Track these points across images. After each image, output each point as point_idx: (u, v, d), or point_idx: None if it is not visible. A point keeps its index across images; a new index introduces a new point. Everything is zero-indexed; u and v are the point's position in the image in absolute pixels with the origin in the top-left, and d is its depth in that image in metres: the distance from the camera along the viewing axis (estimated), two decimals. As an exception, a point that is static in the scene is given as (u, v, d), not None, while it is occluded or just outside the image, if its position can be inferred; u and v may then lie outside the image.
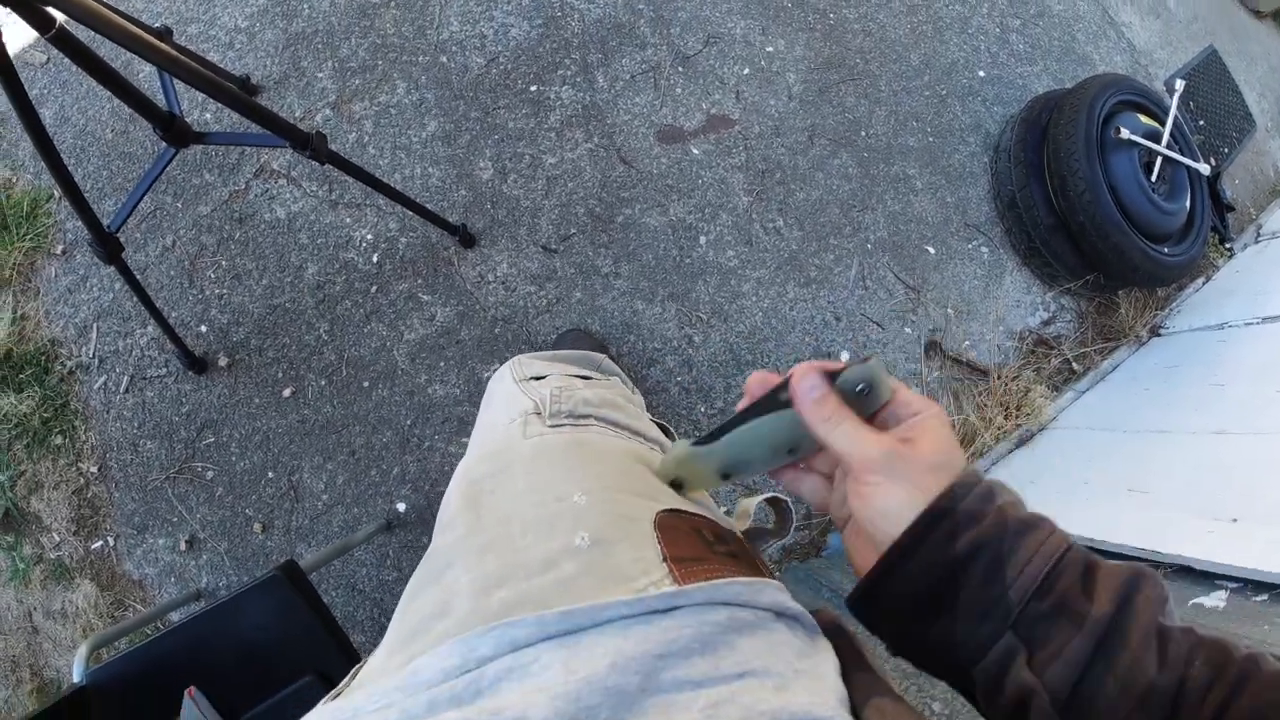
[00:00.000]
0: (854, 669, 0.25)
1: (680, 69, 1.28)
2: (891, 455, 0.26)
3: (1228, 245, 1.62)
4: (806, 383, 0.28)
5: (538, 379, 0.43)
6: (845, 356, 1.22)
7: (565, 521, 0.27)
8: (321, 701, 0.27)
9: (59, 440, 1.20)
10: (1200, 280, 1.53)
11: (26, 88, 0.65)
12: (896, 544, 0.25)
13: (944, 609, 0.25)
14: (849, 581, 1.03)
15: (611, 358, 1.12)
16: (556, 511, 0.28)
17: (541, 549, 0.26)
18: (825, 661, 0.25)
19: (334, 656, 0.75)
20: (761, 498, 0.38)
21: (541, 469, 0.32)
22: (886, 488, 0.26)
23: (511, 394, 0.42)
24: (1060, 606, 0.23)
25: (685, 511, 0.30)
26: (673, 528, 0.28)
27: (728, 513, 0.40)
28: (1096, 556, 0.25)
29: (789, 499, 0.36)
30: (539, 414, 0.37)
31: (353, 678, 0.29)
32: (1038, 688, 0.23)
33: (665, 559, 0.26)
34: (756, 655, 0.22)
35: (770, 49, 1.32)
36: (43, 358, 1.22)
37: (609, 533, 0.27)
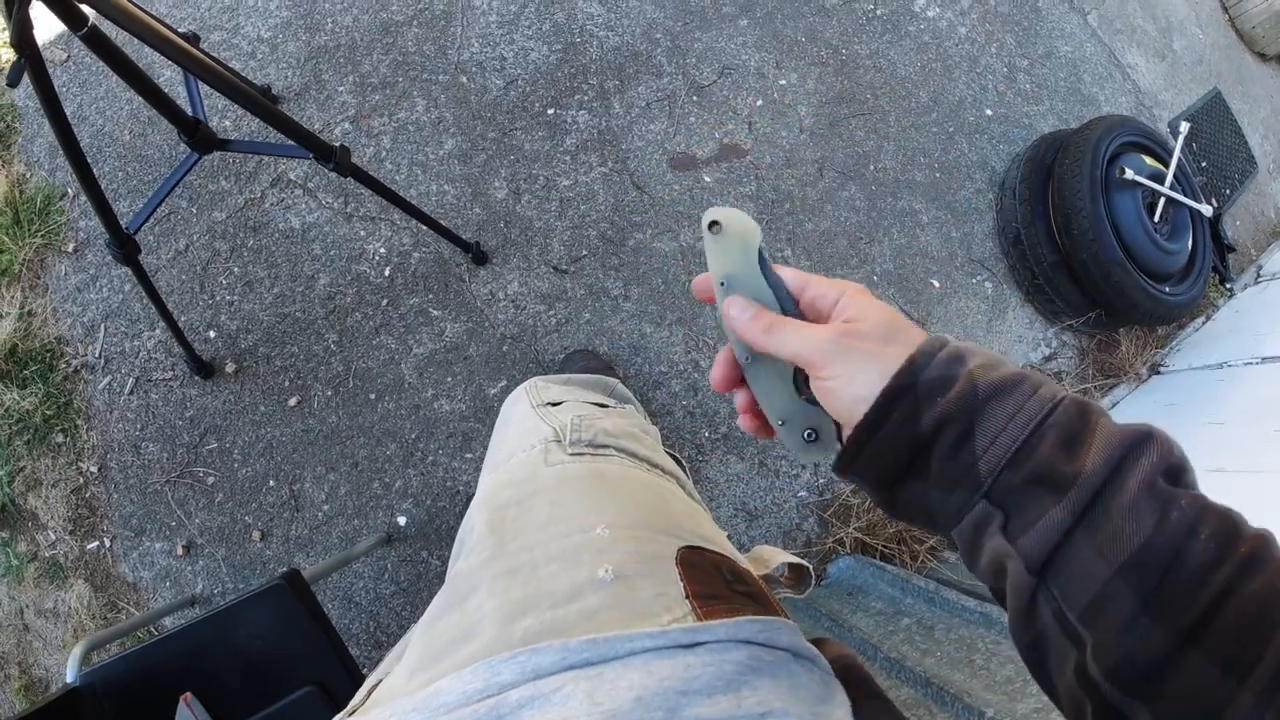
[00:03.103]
0: (863, 697, 0.26)
1: (695, 98, 1.30)
2: (840, 340, 0.26)
3: (1228, 285, 1.64)
4: (735, 309, 0.28)
5: (554, 405, 0.44)
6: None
7: (589, 554, 0.28)
8: (337, 718, 0.27)
9: (60, 438, 1.20)
10: (1200, 320, 1.55)
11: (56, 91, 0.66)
12: (860, 426, 0.24)
13: (918, 476, 0.24)
14: (849, 610, 1.03)
15: (619, 379, 1.13)
16: (580, 543, 0.29)
17: (566, 580, 0.27)
18: (840, 706, 0.25)
19: (334, 668, 0.75)
20: (784, 559, 0.38)
21: (565, 499, 0.32)
22: (849, 375, 0.25)
23: (529, 418, 0.42)
24: (1037, 476, 0.22)
25: (706, 549, 0.31)
26: (694, 565, 0.28)
27: (742, 548, 0.41)
28: (1097, 411, 0.23)
29: (810, 566, 0.37)
30: (559, 442, 0.37)
31: (369, 694, 0.29)
32: (1011, 554, 0.22)
33: (688, 595, 0.26)
34: (777, 697, 0.23)
35: (783, 82, 1.35)
36: (48, 355, 1.23)
37: (632, 567, 0.27)
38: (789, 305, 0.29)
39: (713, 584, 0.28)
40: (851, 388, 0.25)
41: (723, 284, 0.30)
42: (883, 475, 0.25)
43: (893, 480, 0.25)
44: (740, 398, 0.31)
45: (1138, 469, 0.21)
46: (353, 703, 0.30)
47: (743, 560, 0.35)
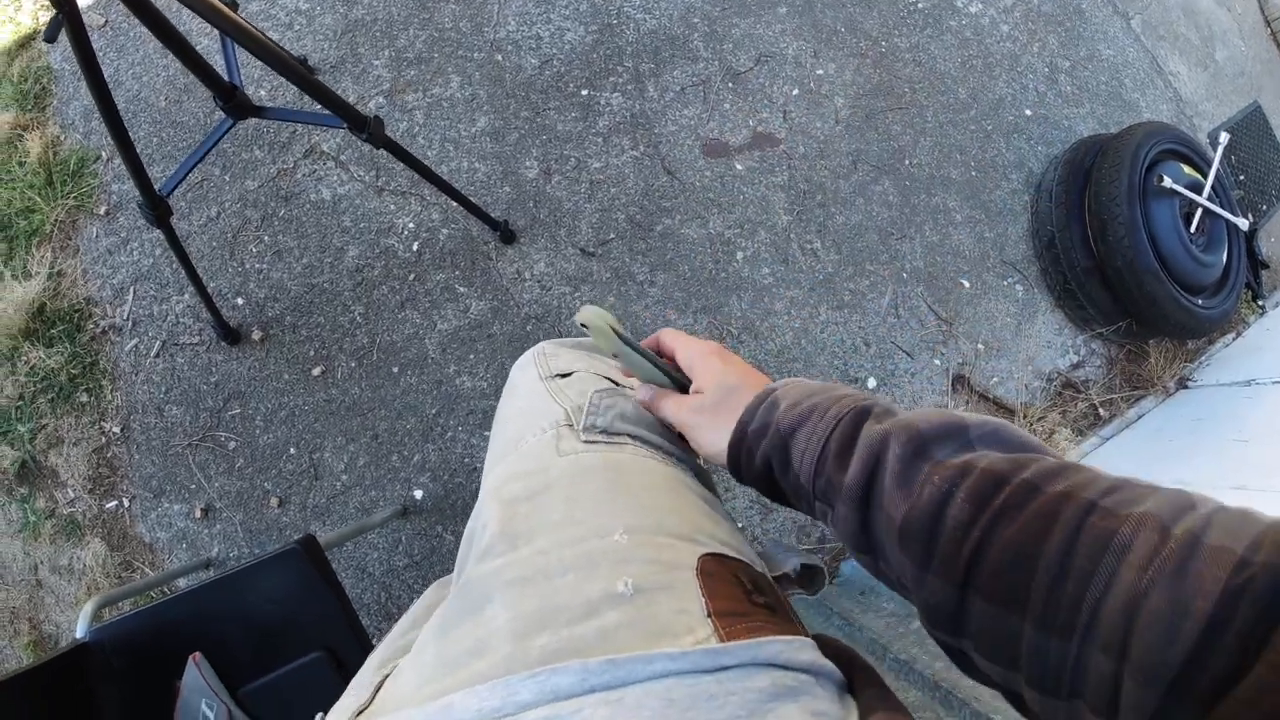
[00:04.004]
0: (863, 685, 0.27)
1: (730, 85, 1.29)
2: (691, 415, 0.36)
3: (1260, 303, 1.61)
4: (641, 393, 0.39)
5: (564, 376, 0.42)
6: (872, 384, 1.21)
7: (606, 563, 0.27)
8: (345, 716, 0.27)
9: (84, 398, 1.22)
10: (1230, 336, 1.52)
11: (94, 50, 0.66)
12: (730, 469, 0.34)
13: (780, 490, 0.33)
14: (859, 610, 1.02)
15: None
16: (598, 549, 0.28)
17: (583, 592, 0.26)
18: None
19: (345, 635, 0.74)
20: (799, 561, 0.38)
21: (580, 497, 0.31)
22: (703, 439, 0.35)
23: (538, 394, 0.40)
24: (828, 483, 0.29)
25: (726, 556, 0.30)
26: (714, 575, 0.28)
27: (759, 551, 0.40)
28: (869, 420, 0.29)
29: (825, 568, 0.40)
30: (571, 425, 0.36)
31: (375, 691, 0.28)
32: (837, 537, 0.29)
33: (709, 614, 0.26)
34: None
35: (820, 72, 1.33)
36: (76, 315, 1.24)
37: (652, 579, 0.27)
38: (663, 366, 0.39)
39: (733, 597, 0.27)
40: (706, 449, 0.35)
41: (616, 355, 0.38)
42: (765, 494, 0.34)
43: (771, 495, 0.34)
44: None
45: (886, 463, 0.26)
46: (359, 695, 0.29)
47: (759, 564, 0.34)
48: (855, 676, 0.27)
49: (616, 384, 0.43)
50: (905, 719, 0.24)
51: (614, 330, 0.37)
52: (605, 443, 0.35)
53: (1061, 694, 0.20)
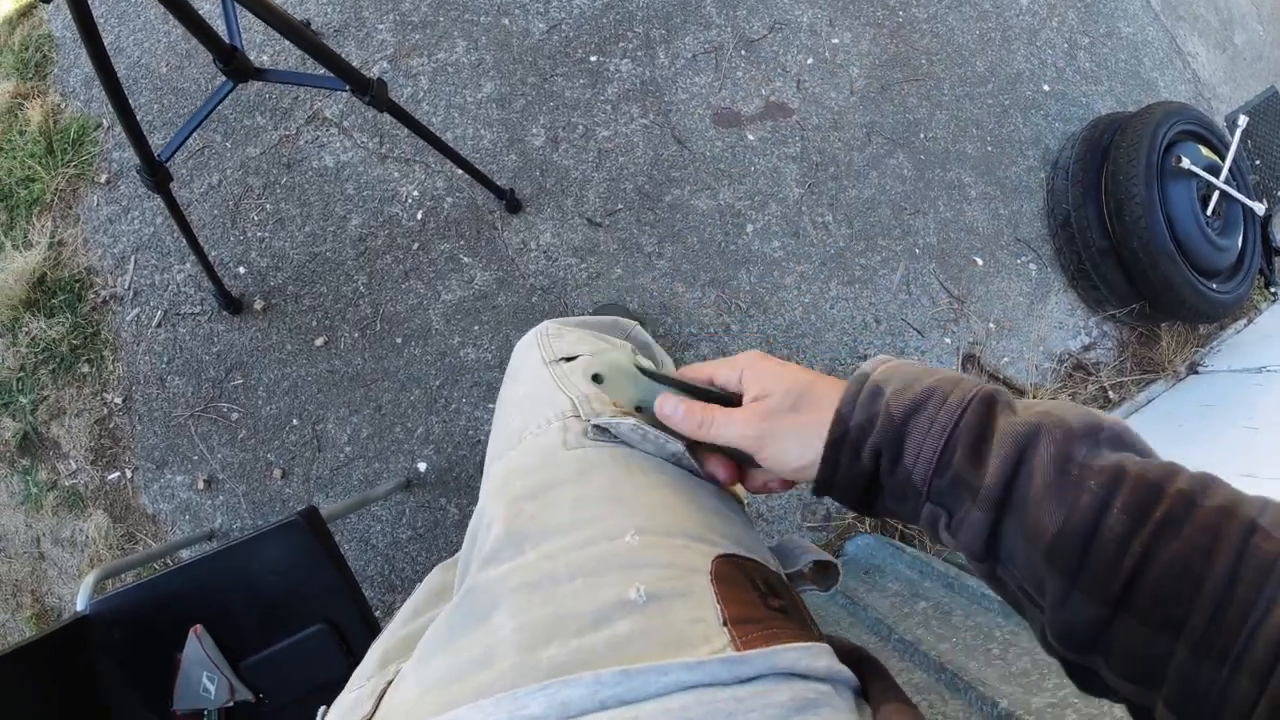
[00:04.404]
0: (871, 679, 0.26)
1: (743, 53, 1.26)
2: (760, 420, 0.30)
3: (1273, 289, 1.59)
4: (668, 408, 0.33)
5: (568, 360, 0.40)
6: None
7: (617, 567, 0.26)
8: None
9: (86, 369, 1.20)
10: (1243, 321, 1.50)
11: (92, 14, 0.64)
12: (819, 480, 0.29)
13: (878, 495, 0.29)
14: (864, 589, 1.02)
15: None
16: (608, 553, 0.27)
17: (593, 599, 0.25)
18: None
19: (347, 607, 0.74)
20: (814, 557, 0.37)
21: (589, 496, 0.30)
22: (781, 452, 0.30)
23: (542, 380, 0.38)
24: (956, 480, 0.25)
25: (741, 556, 0.29)
26: (729, 579, 0.27)
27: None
28: (1000, 408, 0.26)
29: (839, 563, 0.38)
30: (578, 416, 0.34)
31: (378, 702, 0.28)
32: (950, 543, 0.26)
33: (725, 622, 0.25)
34: None
35: (835, 41, 1.30)
36: (77, 285, 1.22)
37: (665, 586, 0.25)
38: (709, 391, 0.33)
39: (749, 603, 0.26)
40: (788, 460, 0.30)
41: (638, 409, 0.34)
42: (853, 503, 0.29)
43: (862, 503, 0.29)
44: (720, 470, 0.34)
45: (1036, 464, 0.23)
46: (360, 706, 0.28)
47: (773, 563, 0.33)
48: (865, 675, 0.27)
49: None
50: (912, 709, 0.24)
51: (639, 369, 0.33)
52: (613, 441, 0.33)
53: (1202, 719, 0.20)
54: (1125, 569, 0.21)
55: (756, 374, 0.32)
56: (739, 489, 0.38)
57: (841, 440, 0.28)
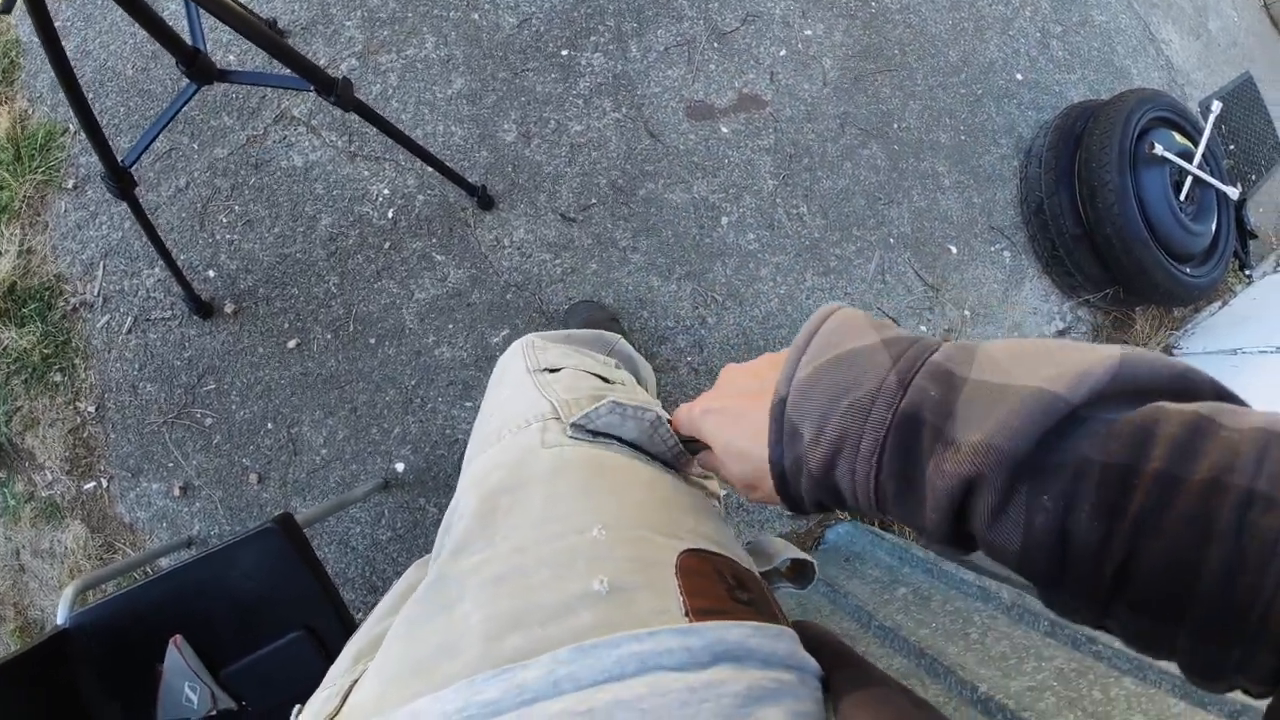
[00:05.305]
0: (834, 669, 0.25)
1: (716, 45, 1.25)
2: (729, 473, 0.31)
3: (1247, 272, 1.61)
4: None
5: (552, 371, 0.41)
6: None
7: (583, 560, 0.26)
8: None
9: (58, 378, 1.19)
10: (1217, 304, 1.52)
11: (52, 19, 0.63)
12: (777, 490, 0.28)
13: (841, 500, 0.26)
14: (844, 576, 1.02)
15: (624, 331, 1.10)
16: (575, 546, 0.27)
17: (558, 591, 0.25)
18: None
19: (325, 612, 0.74)
20: (790, 556, 0.37)
21: (560, 493, 0.30)
22: (755, 489, 0.30)
23: (525, 385, 0.39)
24: (903, 515, 0.23)
25: (708, 551, 0.29)
26: (695, 571, 0.27)
27: (748, 542, 0.39)
28: (925, 440, 0.22)
29: (815, 562, 0.37)
30: (558, 419, 0.35)
31: (344, 699, 0.27)
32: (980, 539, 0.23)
33: (687, 612, 0.24)
34: None
35: (809, 32, 1.30)
36: (47, 293, 1.20)
37: (629, 578, 0.25)
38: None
39: (714, 595, 0.26)
40: (769, 493, 0.29)
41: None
42: (814, 504, 0.28)
43: (826, 504, 0.28)
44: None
45: (975, 512, 0.21)
46: (329, 701, 0.28)
47: (745, 559, 0.33)
48: (832, 665, 0.26)
49: (605, 379, 0.42)
50: (885, 691, 0.23)
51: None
52: (590, 441, 0.34)
53: (1221, 683, 0.19)
54: (1108, 573, 0.19)
55: (706, 431, 0.33)
56: (714, 485, 0.39)
57: (785, 486, 0.27)
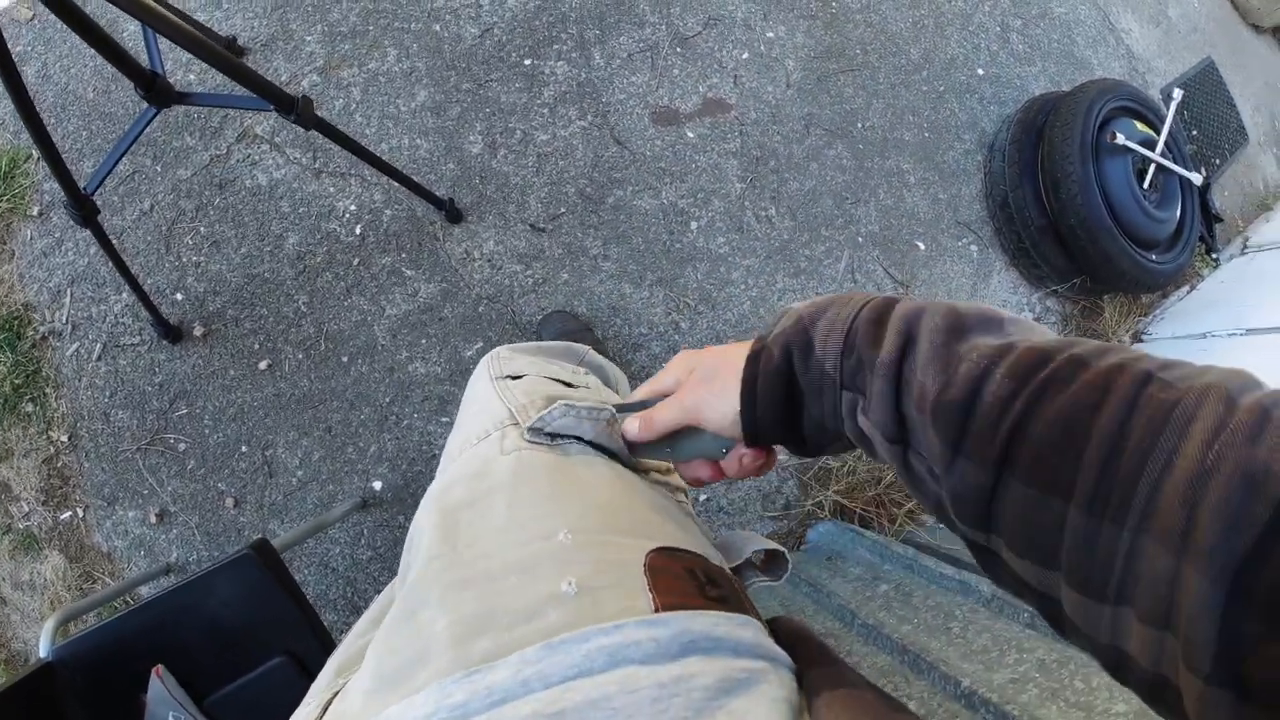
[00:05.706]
0: (809, 666, 0.25)
1: (679, 50, 1.26)
2: (687, 394, 0.33)
3: (1214, 256, 1.64)
4: (625, 427, 0.36)
5: (514, 378, 0.41)
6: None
7: (550, 564, 0.26)
8: None
9: (29, 408, 1.17)
10: (1185, 289, 1.54)
11: (10, 44, 0.62)
12: (743, 396, 0.30)
13: (800, 406, 0.29)
14: (828, 575, 1.03)
15: (597, 340, 1.11)
16: (540, 551, 0.27)
17: (525, 594, 0.25)
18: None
19: (306, 637, 0.73)
20: (761, 547, 0.37)
21: (523, 498, 0.30)
22: (709, 407, 0.32)
23: (488, 396, 0.39)
24: (860, 359, 0.26)
25: (678, 550, 0.29)
26: (664, 570, 0.27)
27: (717, 539, 0.40)
28: (895, 301, 0.27)
29: (786, 552, 0.38)
30: (516, 424, 0.35)
31: (323, 712, 0.28)
32: (869, 428, 0.26)
33: (657, 609, 0.24)
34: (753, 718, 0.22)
35: (771, 35, 1.31)
36: (15, 323, 1.19)
37: (597, 578, 0.26)
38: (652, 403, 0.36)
39: (684, 591, 0.26)
40: (724, 412, 0.31)
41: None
42: (777, 417, 0.30)
43: (788, 420, 0.30)
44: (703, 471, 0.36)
45: (921, 335, 0.24)
46: (309, 707, 0.29)
47: (716, 556, 0.33)
48: (806, 661, 0.26)
49: (568, 384, 0.42)
50: (860, 692, 0.23)
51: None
52: (549, 444, 0.34)
53: (1108, 596, 0.17)
54: (1005, 429, 0.20)
55: (678, 362, 0.36)
56: (675, 478, 0.40)
57: (758, 355, 0.30)
